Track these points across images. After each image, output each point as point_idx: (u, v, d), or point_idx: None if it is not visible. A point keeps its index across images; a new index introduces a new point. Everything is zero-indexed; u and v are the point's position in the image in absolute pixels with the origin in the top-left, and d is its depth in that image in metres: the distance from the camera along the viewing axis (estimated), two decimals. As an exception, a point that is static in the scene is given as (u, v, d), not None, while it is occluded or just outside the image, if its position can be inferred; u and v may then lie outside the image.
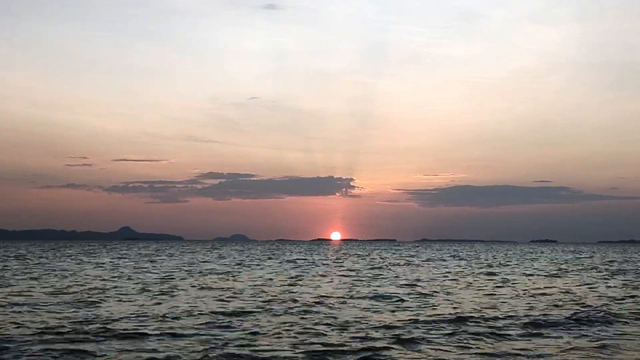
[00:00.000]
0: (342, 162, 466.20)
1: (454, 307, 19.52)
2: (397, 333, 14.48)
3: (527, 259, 66.83)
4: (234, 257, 65.20)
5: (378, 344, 13.14)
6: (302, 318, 16.94)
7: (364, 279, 32.70)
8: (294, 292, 24.33)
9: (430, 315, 17.56)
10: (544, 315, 17.77)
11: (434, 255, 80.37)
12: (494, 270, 42.04)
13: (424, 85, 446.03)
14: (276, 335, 14.14)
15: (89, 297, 21.83)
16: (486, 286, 28.33)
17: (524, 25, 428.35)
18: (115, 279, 31.73)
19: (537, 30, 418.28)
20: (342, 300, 21.54)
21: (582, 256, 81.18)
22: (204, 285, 27.53)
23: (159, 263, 51.41)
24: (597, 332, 15.15)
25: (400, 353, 12.46)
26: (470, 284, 29.81)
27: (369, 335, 14.25)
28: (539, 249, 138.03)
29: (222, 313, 17.75)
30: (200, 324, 15.71)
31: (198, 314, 17.61)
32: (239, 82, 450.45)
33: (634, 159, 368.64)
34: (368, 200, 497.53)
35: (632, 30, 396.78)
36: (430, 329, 15.19)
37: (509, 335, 14.52)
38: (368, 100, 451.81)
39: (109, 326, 15.16)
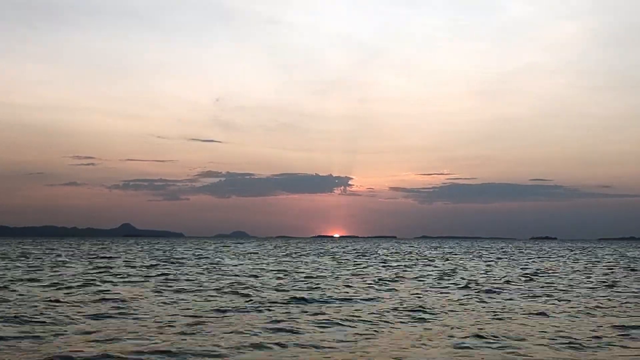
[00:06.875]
0: (341, 161, 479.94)
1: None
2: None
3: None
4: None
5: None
6: None
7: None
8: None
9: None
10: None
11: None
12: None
13: (422, 84, 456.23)
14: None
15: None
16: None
17: (523, 24, 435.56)
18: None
19: (534, 32, 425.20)
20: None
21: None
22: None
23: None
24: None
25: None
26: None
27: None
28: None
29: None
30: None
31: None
32: (241, 85, 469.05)
33: (627, 158, 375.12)
34: (366, 198, 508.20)
35: (628, 31, 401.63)
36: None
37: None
38: (366, 100, 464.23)
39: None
